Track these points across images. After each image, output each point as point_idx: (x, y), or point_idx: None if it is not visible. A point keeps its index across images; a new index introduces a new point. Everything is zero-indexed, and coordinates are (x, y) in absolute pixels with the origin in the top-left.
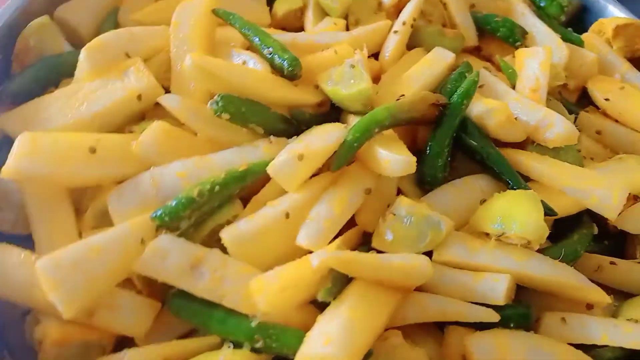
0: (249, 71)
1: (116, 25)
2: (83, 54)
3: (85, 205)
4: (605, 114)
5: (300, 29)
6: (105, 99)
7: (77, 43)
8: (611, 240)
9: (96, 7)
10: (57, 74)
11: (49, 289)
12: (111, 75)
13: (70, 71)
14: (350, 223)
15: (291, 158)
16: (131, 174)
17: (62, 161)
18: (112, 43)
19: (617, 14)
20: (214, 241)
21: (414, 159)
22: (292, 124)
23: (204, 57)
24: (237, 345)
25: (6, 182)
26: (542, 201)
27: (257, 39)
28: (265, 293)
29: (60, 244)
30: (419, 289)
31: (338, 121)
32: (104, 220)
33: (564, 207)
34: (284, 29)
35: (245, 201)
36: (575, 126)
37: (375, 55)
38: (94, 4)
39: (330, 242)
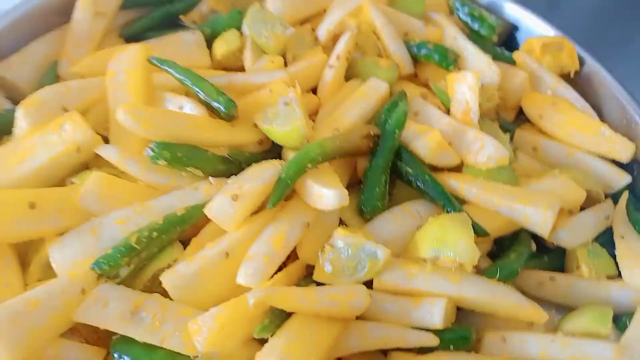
0: (185, 116)
1: (56, 79)
2: (19, 111)
3: (30, 257)
4: (540, 131)
5: (241, 68)
6: (44, 154)
7: (18, 99)
8: (550, 255)
9: (35, 62)
10: None
11: None
12: (49, 130)
13: (9, 128)
14: (294, 256)
15: (226, 199)
16: (73, 226)
17: (2, 218)
18: (48, 98)
19: (545, 32)
20: (156, 285)
21: (346, 192)
22: (233, 164)
23: (136, 107)
24: None
25: None
26: (473, 223)
27: (192, 84)
28: (203, 334)
29: (6, 298)
30: (361, 317)
31: (280, 157)
32: (50, 272)
33: (499, 227)
34: (224, 69)
35: (186, 243)
36: (512, 144)
37: (314, 90)
38: (33, 60)
39: (271, 277)
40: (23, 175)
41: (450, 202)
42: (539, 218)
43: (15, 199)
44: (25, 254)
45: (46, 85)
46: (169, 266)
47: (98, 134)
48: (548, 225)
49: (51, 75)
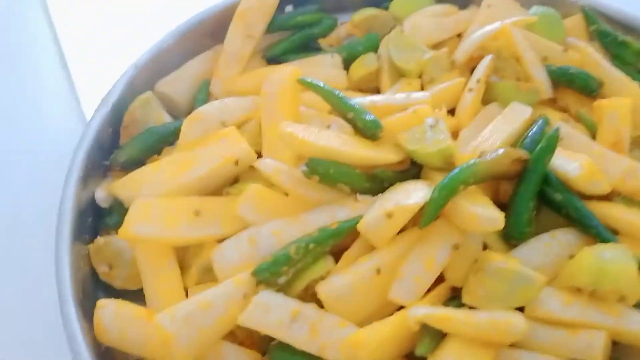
0: (334, 135)
1: (208, 96)
2: (185, 124)
3: (188, 261)
4: None
5: (376, 89)
6: (206, 165)
7: (175, 113)
8: None
9: (190, 80)
10: (160, 142)
11: (164, 342)
12: (210, 143)
13: (171, 140)
14: (439, 278)
15: (381, 215)
16: (230, 233)
17: (171, 224)
18: (209, 113)
19: None
20: (308, 296)
21: (502, 214)
22: (376, 182)
23: (293, 125)
24: None
25: (120, 242)
26: (635, 254)
27: (340, 104)
28: (364, 347)
29: (168, 298)
30: (513, 345)
31: (418, 177)
32: (207, 276)
33: None
34: (360, 90)
35: (334, 257)
36: None
37: (451, 112)
38: (189, 78)
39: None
40: (186, 183)
41: (605, 232)
42: None
43: (182, 205)
44: (183, 258)
45: (199, 102)
46: (322, 278)
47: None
48: None
49: (204, 92)
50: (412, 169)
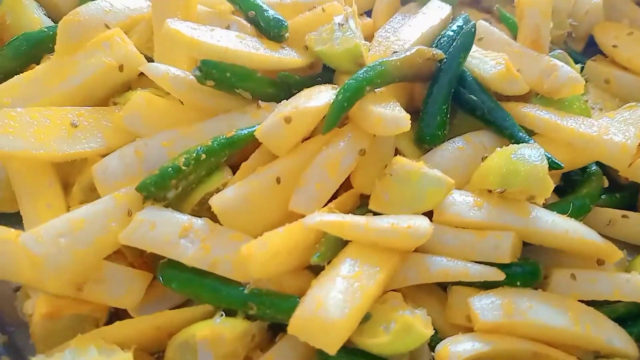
0: (231, 34)
1: None
2: (61, 27)
3: (73, 179)
4: (613, 62)
5: None
6: (86, 71)
7: (57, 17)
8: (623, 192)
9: None
10: (37, 49)
11: (33, 265)
12: (91, 47)
13: (52, 47)
14: (347, 185)
15: (278, 120)
16: (116, 147)
17: (43, 137)
18: (90, 14)
19: None
20: (204, 210)
21: (408, 115)
22: (282, 88)
23: (183, 24)
24: (231, 313)
25: None
26: (546, 154)
27: (240, 1)
28: (257, 259)
29: (48, 219)
30: (420, 249)
31: (331, 83)
32: (93, 194)
33: (571, 160)
34: None
35: (234, 169)
36: (582, 76)
37: (368, 13)
38: None
39: (324, 205)
40: (64, 93)
41: (520, 132)
42: (616, 150)
43: (56, 117)
44: (68, 176)
45: (85, 2)
46: (218, 190)
47: (141, 53)
48: (627, 157)
49: None
50: (324, 74)
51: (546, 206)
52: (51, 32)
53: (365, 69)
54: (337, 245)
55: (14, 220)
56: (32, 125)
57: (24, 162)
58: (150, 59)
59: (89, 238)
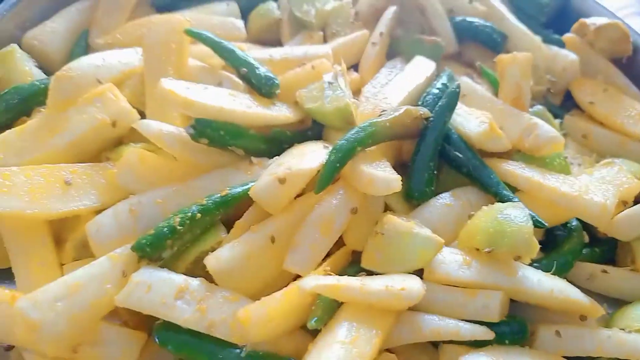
0: (223, 92)
1: (87, 48)
2: (54, 81)
3: (65, 235)
4: (590, 117)
5: (277, 42)
6: (79, 128)
7: (49, 68)
8: (602, 247)
9: (66, 31)
10: (29, 102)
11: (29, 329)
12: (83, 103)
13: (42, 99)
14: (340, 241)
15: (272, 181)
16: (110, 203)
17: (37, 196)
18: (83, 69)
19: (597, 14)
20: (199, 269)
21: (399, 177)
22: (274, 144)
23: (177, 83)
24: None
25: None
26: (530, 213)
27: (231, 58)
28: (255, 323)
29: (41, 277)
30: (412, 308)
31: (320, 137)
32: (85, 251)
33: (553, 217)
34: (260, 43)
35: (228, 226)
36: (561, 130)
37: (354, 67)
38: (63, 28)
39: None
40: (57, 148)
41: (503, 191)
42: (597, 210)
43: (50, 175)
44: (60, 231)
45: (77, 55)
46: (212, 249)
47: (133, 107)
48: (606, 217)
49: (82, 44)
50: (314, 129)
51: (530, 264)
52: (42, 85)
53: (356, 129)
54: (333, 307)
55: (4, 276)
56: (26, 183)
57: (17, 219)
58: (142, 113)
59: (86, 301)
